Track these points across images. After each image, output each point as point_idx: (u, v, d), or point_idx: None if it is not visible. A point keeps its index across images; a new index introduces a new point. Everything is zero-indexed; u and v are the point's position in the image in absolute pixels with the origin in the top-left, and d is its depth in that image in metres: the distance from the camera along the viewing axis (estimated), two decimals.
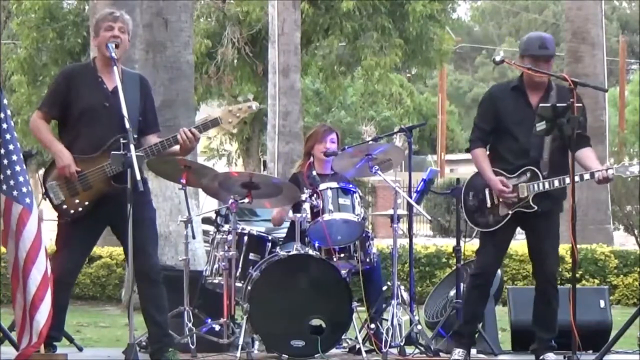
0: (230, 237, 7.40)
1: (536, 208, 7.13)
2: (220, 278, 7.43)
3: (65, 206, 6.58)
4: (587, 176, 7.13)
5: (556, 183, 7.12)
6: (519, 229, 7.46)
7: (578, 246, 7.18)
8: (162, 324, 6.70)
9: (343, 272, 7.36)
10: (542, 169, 7.15)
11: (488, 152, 7.32)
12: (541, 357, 7.21)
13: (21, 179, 6.30)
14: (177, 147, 6.73)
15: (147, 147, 6.66)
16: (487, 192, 7.26)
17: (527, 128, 7.14)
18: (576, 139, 7.09)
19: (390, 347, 7.31)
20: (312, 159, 8.14)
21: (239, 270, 7.45)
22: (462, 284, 8.01)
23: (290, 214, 7.82)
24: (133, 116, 6.54)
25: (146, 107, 6.80)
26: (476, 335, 7.88)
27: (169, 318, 7.32)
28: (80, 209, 6.58)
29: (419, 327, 7.66)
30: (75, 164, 6.53)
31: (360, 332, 7.39)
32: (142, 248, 6.44)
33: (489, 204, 7.25)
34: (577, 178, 7.12)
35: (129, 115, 6.41)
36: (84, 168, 6.55)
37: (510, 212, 7.18)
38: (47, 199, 6.63)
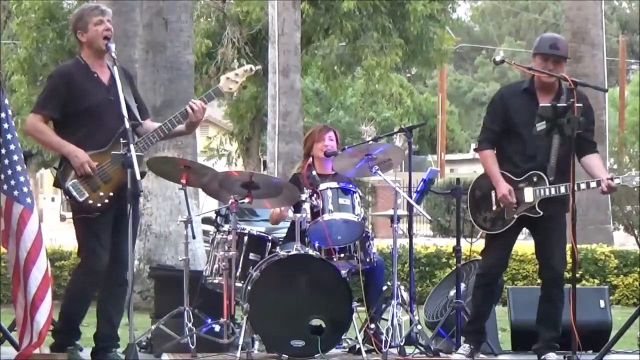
0: (230, 237, 7.40)
1: (542, 214, 7.12)
2: (220, 278, 7.43)
3: (90, 201, 6.57)
4: (593, 184, 7.10)
5: (562, 190, 7.10)
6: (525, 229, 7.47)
7: (578, 246, 7.19)
8: (116, 325, 6.73)
9: (343, 272, 7.35)
10: (549, 174, 7.13)
11: (495, 154, 7.30)
12: (543, 357, 7.20)
13: (22, 179, 6.32)
14: (182, 126, 6.83)
15: (157, 129, 6.73)
16: (493, 194, 7.26)
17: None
18: (582, 144, 7.13)
19: (390, 347, 7.31)
20: (311, 159, 8.15)
21: (239, 270, 7.44)
22: (462, 284, 8.02)
23: (290, 214, 7.82)
24: (133, 106, 6.67)
25: (136, 95, 6.91)
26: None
27: (169, 318, 7.35)
28: (106, 200, 6.59)
29: (419, 327, 7.65)
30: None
31: (360, 332, 7.39)
32: (120, 248, 6.50)
33: (494, 207, 7.25)
34: (583, 186, 7.12)
35: (130, 106, 6.55)
36: (99, 162, 6.58)
37: (516, 216, 7.18)
38: (69, 198, 6.57)
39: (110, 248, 6.63)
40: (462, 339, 7.51)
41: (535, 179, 7.15)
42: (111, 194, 6.59)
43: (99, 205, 6.58)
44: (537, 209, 7.13)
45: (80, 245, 6.72)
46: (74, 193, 6.56)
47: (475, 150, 7.46)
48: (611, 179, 7.06)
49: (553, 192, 7.11)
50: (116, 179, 6.58)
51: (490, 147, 7.27)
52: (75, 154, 6.53)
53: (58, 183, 6.68)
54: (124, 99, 6.50)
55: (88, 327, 6.96)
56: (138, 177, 6.20)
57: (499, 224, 7.24)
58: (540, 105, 7.03)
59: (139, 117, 6.73)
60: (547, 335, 7.23)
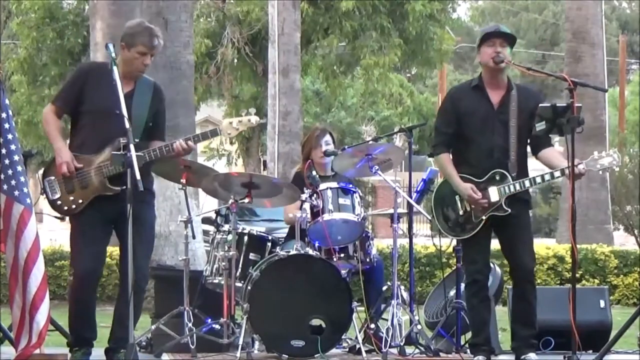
0: (230, 237, 7.41)
1: (509, 211, 6.97)
2: (220, 278, 7.44)
3: (59, 202, 6.62)
4: (557, 174, 6.97)
5: (527, 184, 6.97)
6: None
7: (578, 246, 7.16)
8: (128, 327, 6.69)
9: (343, 272, 7.36)
10: (511, 170, 6.98)
11: (452, 157, 7.12)
12: (522, 357, 7.04)
13: (22, 179, 6.33)
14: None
15: (148, 150, 6.67)
16: (457, 199, 7.11)
17: (490, 129, 6.99)
18: (538, 140, 7.03)
19: (390, 347, 7.32)
20: (311, 161, 8.15)
21: (239, 270, 7.45)
22: (462, 284, 8.02)
23: (298, 214, 7.81)
24: (140, 119, 6.61)
25: (157, 114, 6.83)
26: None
27: (169, 318, 7.35)
28: (73, 206, 6.61)
29: (419, 327, 7.66)
30: (76, 162, 6.56)
31: (360, 332, 7.40)
32: (133, 250, 6.43)
33: (461, 212, 7.11)
34: (547, 177, 7.01)
35: (136, 117, 6.50)
36: (84, 166, 6.57)
37: (484, 217, 7.01)
38: (43, 194, 6.67)
39: (122, 254, 6.61)
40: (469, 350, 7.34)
41: (497, 177, 6.98)
42: (81, 201, 6.59)
43: (65, 208, 6.61)
44: (505, 207, 6.96)
45: (70, 247, 6.80)
46: (47, 189, 6.64)
47: (430, 155, 7.32)
48: (575, 165, 6.85)
49: (518, 187, 6.96)
50: (92, 188, 6.58)
51: (445, 150, 7.09)
52: (60, 151, 6.59)
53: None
54: (129, 112, 6.43)
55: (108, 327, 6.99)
56: (138, 176, 6.16)
57: (468, 227, 7.09)
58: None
59: (131, 136, 6.41)
60: (523, 333, 7.09)
